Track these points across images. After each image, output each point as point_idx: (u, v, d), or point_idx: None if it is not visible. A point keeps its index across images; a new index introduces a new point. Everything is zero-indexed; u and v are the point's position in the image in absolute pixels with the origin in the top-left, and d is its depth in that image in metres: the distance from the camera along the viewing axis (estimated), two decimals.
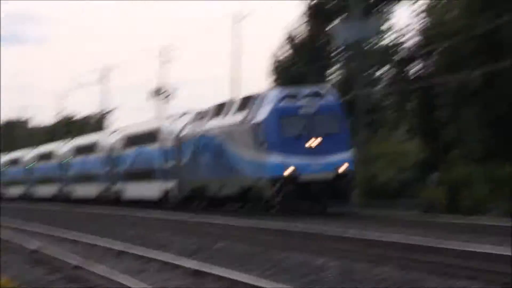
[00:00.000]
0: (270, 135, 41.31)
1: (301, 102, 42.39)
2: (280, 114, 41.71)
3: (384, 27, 73.38)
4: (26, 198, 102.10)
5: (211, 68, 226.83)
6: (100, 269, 24.70)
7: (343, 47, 68.27)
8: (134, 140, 67.69)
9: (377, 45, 69.57)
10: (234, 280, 21.48)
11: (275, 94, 44.03)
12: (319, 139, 41.04)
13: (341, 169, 40.57)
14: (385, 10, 74.16)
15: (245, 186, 44.47)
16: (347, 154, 41.66)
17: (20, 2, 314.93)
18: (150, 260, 27.66)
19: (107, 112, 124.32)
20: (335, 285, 21.24)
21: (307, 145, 40.97)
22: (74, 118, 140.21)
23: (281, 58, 78.15)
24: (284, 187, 39.93)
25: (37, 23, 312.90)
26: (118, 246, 32.30)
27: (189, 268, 24.54)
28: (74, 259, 27.93)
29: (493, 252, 24.08)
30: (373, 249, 27.15)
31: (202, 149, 51.18)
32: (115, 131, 78.36)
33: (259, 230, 36.90)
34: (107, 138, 77.29)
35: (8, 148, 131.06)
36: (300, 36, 77.62)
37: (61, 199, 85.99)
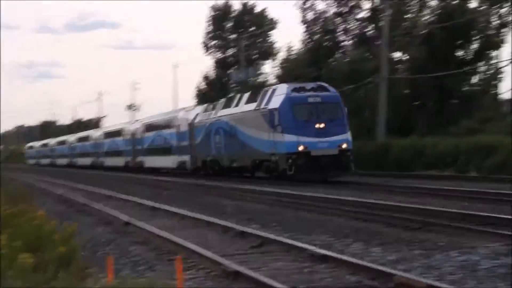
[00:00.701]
0: (285, 119, 32.61)
1: (308, 93, 33.46)
2: (292, 102, 32.94)
3: (258, 72, 74.24)
4: (70, 165, 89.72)
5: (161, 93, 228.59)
6: (97, 206, 24.69)
7: (236, 83, 67.86)
8: (152, 127, 56.63)
9: (255, 82, 69.16)
10: (174, 212, 20.81)
11: (285, 87, 34.77)
12: (324, 123, 32.63)
13: (343, 147, 32.37)
14: (259, 63, 75.39)
15: (259, 160, 35.66)
16: (347, 135, 33.10)
17: (47, 54, 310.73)
18: (127, 201, 26.91)
19: (101, 118, 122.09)
20: (232, 212, 20.61)
21: (316, 127, 32.48)
22: (82, 120, 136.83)
23: (201, 88, 77.94)
24: (298, 160, 31.63)
25: (59, 66, 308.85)
26: (108, 193, 31.36)
27: (148, 205, 23.71)
28: (82, 200, 27.11)
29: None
30: (255, 195, 26.50)
31: (215, 131, 41.47)
32: (135, 121, 67.06)
33: (191, 184, 35.92)
34: (129, 126, 65.51)
35: (45, 137, 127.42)
36: (212, 76, 77.91)
37: (96, 167, 74.91)
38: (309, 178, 31.18)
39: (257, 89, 41.87)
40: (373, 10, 54.88)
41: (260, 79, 73.45)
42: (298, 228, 16.56)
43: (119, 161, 65.83)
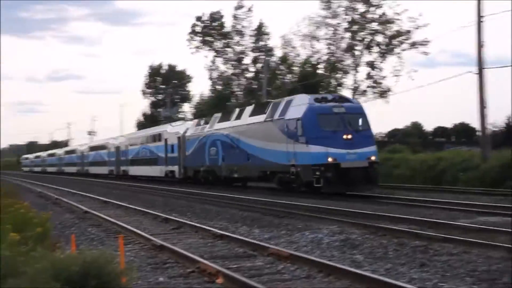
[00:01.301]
0: (310, 129, 21.82)
1: (331, 103, 22.51)
2: (317, 112, 22.00)
3: (180, 110, 74.66)
4: (58, 172, 76.81)
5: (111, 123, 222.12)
6: (66, 200, 23.61)
7: (164, 118, 67.14)
8: (137, 141, 44.31)
9: (177, 116, 68.60)
10: (120, 204, 20.11)
11: (307, 97, 23.25)
12: (351, 134, 21.69)
13: (372, 159, 21.51)
14: (180, 104, 76.33)
15: (270, 171, 24.54)
16: (374, 147, 22.30)
17: (33, 96, 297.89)
18: (87, 196, 25.54)
19: (69, 140, 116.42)
20: (160, 205, 20.12)
21: (343, 138, 21.53)
22: (57, 141, 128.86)
23: (140, 120, 77.47)
24: (326, 172, 20.86)
25: (41, 105, 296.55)
26: (74, 190, 30.23)
27: (102, 200, 22.81)
28: (55, 196, 25.96)
29: None
30: (177, 194, 25.70)
31: (210, 143, 29.94)
32: (119, 137, 52.98)
33: (153, 188, 33.87)
34: (113, 141, 52.25)
35: (30, 153, 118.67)
36: (148, 112, 77.58)
37: (81, 174, 62.42)
38: (338, 191, 21.33)
39: (262, 103, 29.45)
40: (257, 72, 56.18)
41: (181, 115, 73.31)
42: (204, 216, 16.38)
43: (103, 170, 54.69)
